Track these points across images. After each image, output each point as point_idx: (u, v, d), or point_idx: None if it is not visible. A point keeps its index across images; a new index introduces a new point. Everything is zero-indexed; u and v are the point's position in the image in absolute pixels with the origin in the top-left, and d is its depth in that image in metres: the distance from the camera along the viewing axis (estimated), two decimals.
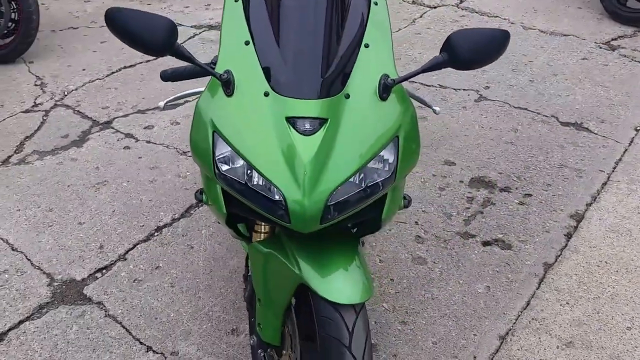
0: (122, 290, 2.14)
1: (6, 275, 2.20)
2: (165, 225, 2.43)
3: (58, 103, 3.31)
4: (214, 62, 1.42)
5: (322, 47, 1.28)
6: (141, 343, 1.94)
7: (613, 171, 2.76)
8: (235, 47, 1.30)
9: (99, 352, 1.91)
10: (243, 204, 1.27)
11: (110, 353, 1.92)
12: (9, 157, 2.86)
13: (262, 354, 1.55)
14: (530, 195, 2.61)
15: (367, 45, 1.32)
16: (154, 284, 2.17)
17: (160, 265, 2.25)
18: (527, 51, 3.87)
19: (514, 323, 2.01)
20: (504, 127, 3.10)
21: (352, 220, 1.30)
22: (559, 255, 2.29)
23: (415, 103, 1.50)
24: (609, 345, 1.93)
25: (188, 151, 2.85)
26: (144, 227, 2.42)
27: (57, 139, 2.99)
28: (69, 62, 3.77)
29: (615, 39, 4.02)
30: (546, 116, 3.19)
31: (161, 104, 1.47)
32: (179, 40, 1.26)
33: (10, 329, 1.99)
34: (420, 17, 4.40)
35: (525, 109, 3.26)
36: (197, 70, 1.46)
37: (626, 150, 2.91)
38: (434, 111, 1.50)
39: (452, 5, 4.58)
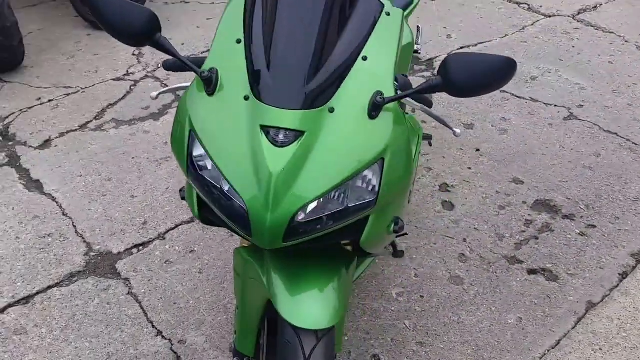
0: (151, 270, 2.28)
1: (49, 239, 2.42)
2: None
3: (149, 75, 3.59)
4: None
5: (312, 55, 1.20)
6: (153, 326, 2.07)
7: None
8: (227, 44, 1.26)
9: (111, 329, 2.05)
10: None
11: (121, 332, 2.04)
12: (88, 122, 3.14)
13: None
14: (594, 226, 2.48)
15: (365, 58, 1.24)
16: (183, 268, 2.28)
17: (195, 249, 2.36)
18: (633, 72, 3.57)
19: None
20: (586, 151, 2.92)
21: (329, 241, 1.26)
22: (607, 296, 2.17)
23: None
24: None
25: None
26: None
27: (137, 110, 3.23)
28: (170, 34, 4.04)
29: None
30: (635, 144, 2.95)
31: (154, 94, 1.40)
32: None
33: (37, 293, 2.18)
34: (532, 25, 4.19)
35: (615, 133, 3.04)
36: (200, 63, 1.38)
37: None
38: (454, 133, 1.37)
39: (568, 16, 4.30)
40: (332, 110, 1.18)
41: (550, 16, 4.31)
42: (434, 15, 4.40)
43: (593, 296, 2.18)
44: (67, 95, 3.45)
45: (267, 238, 1.13)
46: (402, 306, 2.15)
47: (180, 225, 2.50)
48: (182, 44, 3.97)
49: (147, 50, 3.88)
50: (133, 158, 2.91)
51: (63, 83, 3.55)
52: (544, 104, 3.31)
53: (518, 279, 2.26)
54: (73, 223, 2.53)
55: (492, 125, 3.16)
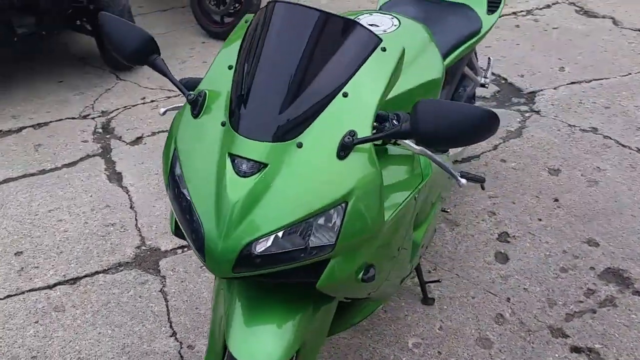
0: (187, 272, 2.38)
1: (111, 228, 2.63)
2: None
3: None
4: None
5: (287, 87, 1.19)
6: (171, 326, 2.15)
7: None
8: (220, 69, 1.29)
9: (134, 322, 2.16)
10: None
11: (142, 326, 2.15)
12: None
13: None
14: None
15: (345, 94, 1.19)
16: (212, 277, 2.31)
17: None
18: None
19: None
20: None
21: (288, 278, 1.23)
22: None
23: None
24: None
25: None
26: None
27: None
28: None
29: None
30: None
31: (161, 110, 1.45)
32: None
33: (85, 276, 2.37)
34: None
35: None
36: None
37: None
38: (458, 183, 1.28)
39: None
40: (300, 146, 1.16)
41: None
42: (552, 43, 4.06)
43: None
44: (168, 97, 3.72)
45: (217, 265, 1.15)
46: (415, 359, 2.01)
47: None
48: None
49: None
50: None
51: (167, 86, 3.84)
52: None
53: (557, 355, 2.00)
54: (136, 216, 2.73)
55: (582, 174, 2.84)
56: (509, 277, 2.30)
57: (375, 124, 1.23)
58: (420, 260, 2.33)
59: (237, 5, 4.28)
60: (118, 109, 3.61)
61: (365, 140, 1.15)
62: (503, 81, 3.80)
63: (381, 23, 1.71)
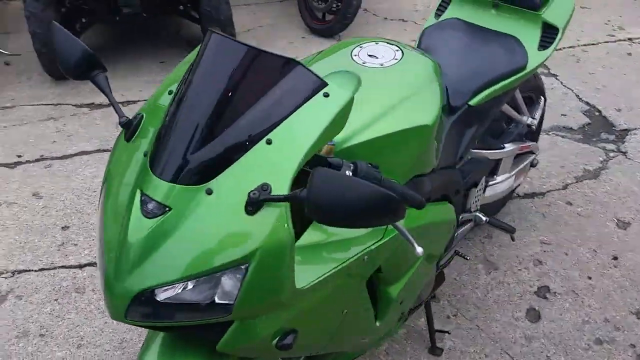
0: None
1: None
2: None
3: None
4: None
5: (206, 125, 1.08)
6: None
7: None
8: (163, 92, 1.23)
9: None
10: None
11: None
12: None
13: None
14: None
15: (269, 142, 1.07)
16: None
17: None
18: None
19: None
20: None
21: (192, 331, 1.13)
22: None
23: None
24: None
25: None
26: None
27: None
28: None
29: None
30: None
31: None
32: None
33: None
34: None
35: None
36: None
37: None
38: (416, 252, 1.14)
39: None
40: (209, 192, 1.05)
41: None
42: None
43: None
44: None
45: (111, 308, 1.08)
46: None
47: None
48: None
49: None
50: None
51: None
52: None
53: None
54: None
55: None
56: (534, 340, 2.06)
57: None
58: (432, 301, 2.16)
59: (338, 3, 4.24)
60: None
61: (272, 199, 1.02)
62: (596, 113, 3.42)
63: (382, 54, 1.56)
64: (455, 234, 1.98)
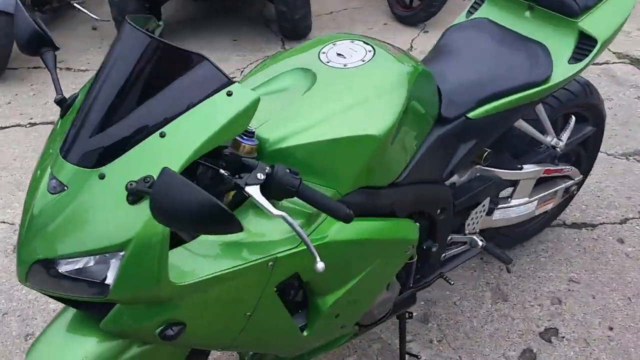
0: None
1: None
2: None
3: None
4: None
5: (106, 111, 1.12)
6: None
7: None
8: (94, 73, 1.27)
9: None
10: None
11: None
12: None
13: None
14: None
15: (162, 135, 1.09)
16: None
17: None
18: None
19: None
20: None
21: (78, 307, 1.21)
22: None
23: None
24: None
25: None
26: None
27: None
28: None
29: None
30: None
31: None
32: None
33: None
34: None
35: None
36: None
37: None
38: (315, 266, 1.13)
39: None
40: (102, 177, 1.10)
41: None
42: None
43: None
44: None
45: (17, 269, 1.17)
46: None
47: None
48: None
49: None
50: None
51: None
52: None
53: None
54: None
55: None
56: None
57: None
58: (422, 323, 2.02)
59: None
60: None
61: (139, 192, 1.05)
62: None
63: (351, 54, 1.43)
64: (443, 256, 1.83)
